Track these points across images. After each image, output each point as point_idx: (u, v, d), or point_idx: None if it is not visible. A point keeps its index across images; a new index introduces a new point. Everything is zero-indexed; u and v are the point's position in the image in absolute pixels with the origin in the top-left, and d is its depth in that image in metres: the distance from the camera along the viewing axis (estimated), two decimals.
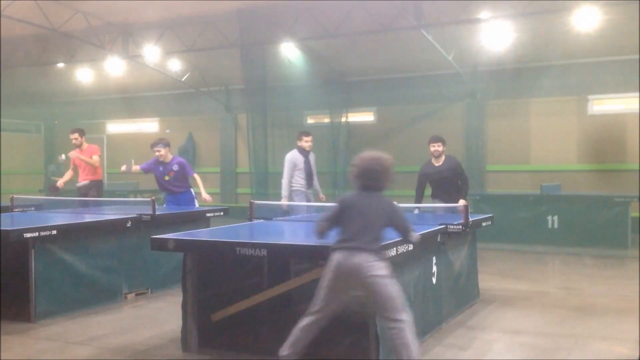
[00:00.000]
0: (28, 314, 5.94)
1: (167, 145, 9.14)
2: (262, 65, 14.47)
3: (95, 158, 10.01)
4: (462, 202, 7.56)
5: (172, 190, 9.07)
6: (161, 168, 9.06)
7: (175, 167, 9.07)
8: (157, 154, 9.03)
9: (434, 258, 5.51)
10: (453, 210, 7.34)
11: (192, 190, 9.19)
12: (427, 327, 5.32)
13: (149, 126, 18.95)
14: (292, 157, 9.22)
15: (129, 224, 6.90)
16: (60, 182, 10.23)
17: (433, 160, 8.48)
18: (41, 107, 19.40)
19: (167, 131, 18.28)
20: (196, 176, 9.18)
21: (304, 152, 9.25)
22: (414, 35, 11.78)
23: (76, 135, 10.06)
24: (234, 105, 17.35)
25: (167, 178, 9.05)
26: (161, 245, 4.92)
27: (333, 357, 4.98)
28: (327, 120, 16.20)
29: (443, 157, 8.44)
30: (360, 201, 4.25)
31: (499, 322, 6.01)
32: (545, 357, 4.96)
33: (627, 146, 13.17)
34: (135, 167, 9.20)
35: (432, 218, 6.90)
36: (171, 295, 7.02)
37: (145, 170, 9.22)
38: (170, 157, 9.14)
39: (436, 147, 8.42)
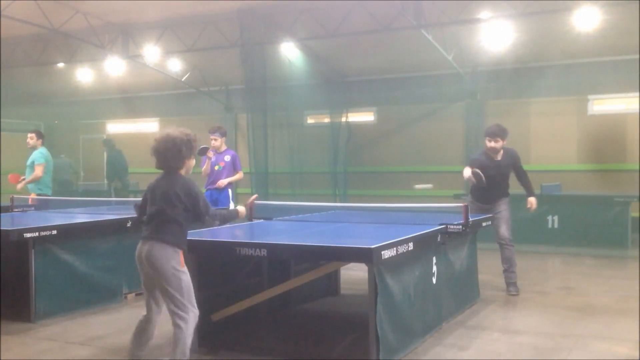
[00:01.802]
0: (28, 314, 5.94)
1: (224, 134, 9.01)
2: (262, 65, 14.47)
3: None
4: (533, 200, 7.51)
5: (218, 185, 8.82)
6: (213, 158, 8.95)
7: (227, 158, 8.92)
8: (212, 141, 8.90)
9: (434, 258, 5.51)
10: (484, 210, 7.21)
11: (229, 190, 9.01)
12: (427, 327, 5.32)
13: (149, 126, 18.93)
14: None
15: (129, 224, 6.89)
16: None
17: (490, 154, 7.30)
18: (41, 107, 19.39)
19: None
20: (241, 173, 9.08)
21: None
22: (414, 35, 11.77)
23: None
24: (234, 105, 17.35)
25: (217, 168, 8.88)
26: None
27: (333, 357, 4.99)
28: (327, 120, 16.20)
29: (502, 151, 7.31)
30: (157, 184, 4.13)
31: (499, 322, 6.01)
32: (545, 357, 4.96)
33: (627, 146, 13.16)
34: (206, 169, 8.92)
35: (432, 218, 6.89)
36: None
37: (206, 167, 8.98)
38: (224, 147, 9.03)
39: (493, 144, 7.16)
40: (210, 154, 8.84)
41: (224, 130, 9.14)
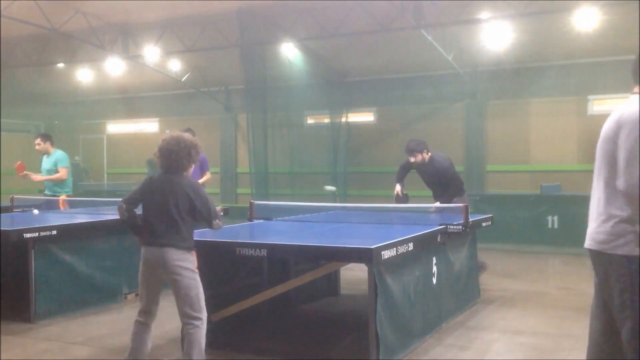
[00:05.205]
0: (28, 314, 5.94)
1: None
2: (262, 65, 14.48)
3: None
4: (438, 203, 7.27)
5: None
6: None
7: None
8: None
9: (434, 258, 5.51)
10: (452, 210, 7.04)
11: None
12: (427, 327, 5.32)
13: (149, 126, 18.96)
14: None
15: None
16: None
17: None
18: (41, 107, 19.40)
19: (167, 131, 18.26)
20: (208, 174, 9.13)
21: None
22: (414, 35, 11.78)
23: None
24: (234, 105, 17.35)
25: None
26: None
27: (333, 357, 4.99)
28: (327, 120, 16.21)
29: (427, 160, 7.35)
30: (158, 185, 4.15)
31: (499, 322, 6.01)
32: (545, 357, 4.96)
33: None
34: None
35: (432, 218, 6.89)
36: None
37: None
38: None
39: (413, 160, 7.33)
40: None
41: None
